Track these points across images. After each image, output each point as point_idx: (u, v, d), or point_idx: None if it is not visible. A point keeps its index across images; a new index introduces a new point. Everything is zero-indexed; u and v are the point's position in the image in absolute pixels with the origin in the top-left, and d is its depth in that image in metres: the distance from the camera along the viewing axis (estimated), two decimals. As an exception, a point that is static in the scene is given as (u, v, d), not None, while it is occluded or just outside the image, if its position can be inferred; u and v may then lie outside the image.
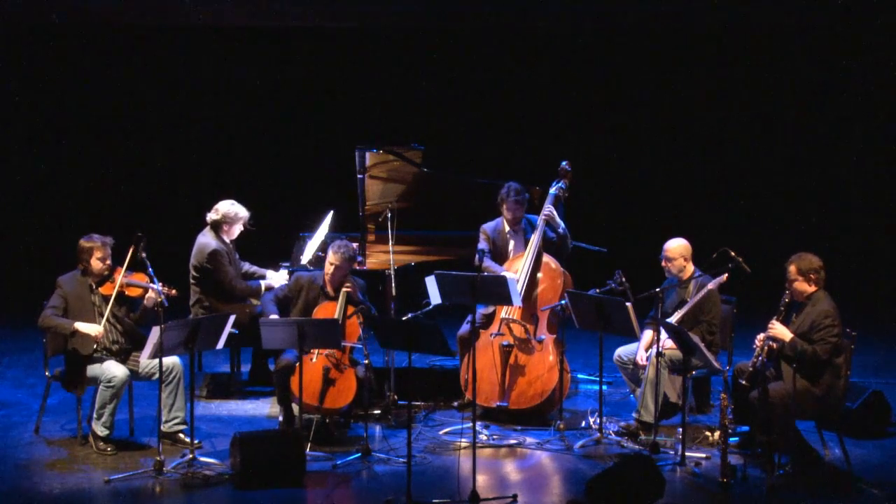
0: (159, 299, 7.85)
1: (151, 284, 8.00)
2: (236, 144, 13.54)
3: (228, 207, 9.12)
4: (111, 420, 7.95)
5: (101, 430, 7.93)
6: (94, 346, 7.98)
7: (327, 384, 8.16)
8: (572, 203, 9.00)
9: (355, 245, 8.83)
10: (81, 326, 7.95)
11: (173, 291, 8.01)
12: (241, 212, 9.14)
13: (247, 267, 9.32)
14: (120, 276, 8.05)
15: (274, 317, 8.32)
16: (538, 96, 13.58)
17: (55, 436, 8.32)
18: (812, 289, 7.72)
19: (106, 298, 8.06)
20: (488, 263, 8.86)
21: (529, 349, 8.71)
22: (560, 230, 8.92)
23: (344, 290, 8.37)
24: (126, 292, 8.09)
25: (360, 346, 8.11)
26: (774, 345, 7.67)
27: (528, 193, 9.05)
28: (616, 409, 9.03)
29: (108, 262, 8.11)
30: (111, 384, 7.92)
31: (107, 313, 8.03)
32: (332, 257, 8.40)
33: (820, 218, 13.49)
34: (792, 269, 7.74)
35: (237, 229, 9.16)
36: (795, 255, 7.79)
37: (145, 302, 8.08)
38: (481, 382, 8.64)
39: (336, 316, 8.27)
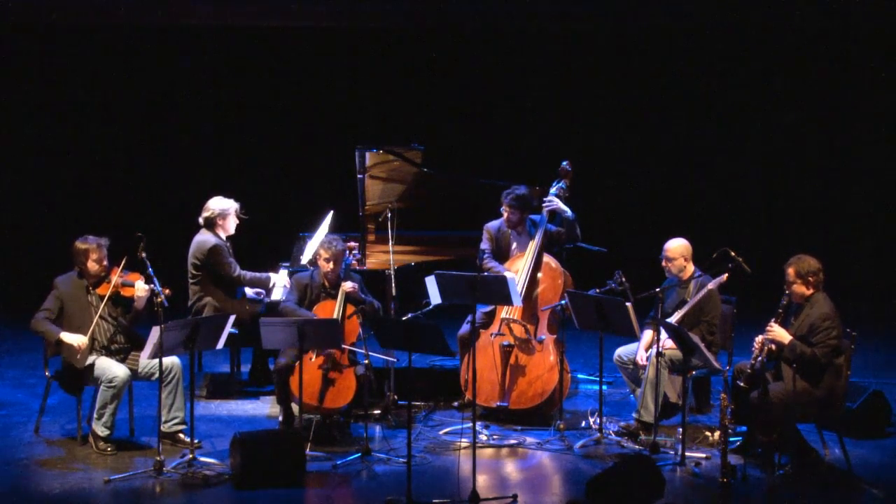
0: (158, 299, 7.84)
1: (145, 284, 8.00)
2: (236, 144, 13.53)
3: (218, 202, 9.13)
4: (112, 420, 7.95)
5: (101, 430, 7.94)
6: (78, 358, 7.97)
7: (326, 384, 8.16)
8: (573, 203, 9.00)
9: (352, 244, 8.84)
10: (66, 337, 7.95)
11: (167, 290, 7.98)
12: (231, 202, 9.16)
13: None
14: (115, 277, 8.05)
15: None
16: (538, 96, 13.59)
17: (55, 436, 8.32)
18: (810, 291, 7.71)
19: (103, 299, 8.06)
20: (491, 264, 8.87)
21: (530, 349, 8.70)
22: (567, 215, 8.90)
23: (344, 290, 8.36)
24: (121, 292, 8.09)
25: (361, 351, 8.12)
26: (774, 347, 7.67)
27: (533, 200, 9.02)
28: (616, 409, 9.03)
29: (105, 262, 8.11)
30: (112, 384, 7.92)
31: (100, 311, 8.03)
32: (324, 253, 8.43)
33: (820, 217, 13.50)
34: (790, 271, 7.73)
35: (231, 222, 9.16)
36: (794, 257, 7.78)
37: (135, 304, 8.08)
38: (481, 382, 8.64)
39: (335, 315, 8.28)
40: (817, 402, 7.60)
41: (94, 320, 8.03)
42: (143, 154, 13.54)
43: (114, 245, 8.23)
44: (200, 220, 9.13)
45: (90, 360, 8.01)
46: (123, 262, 8.05)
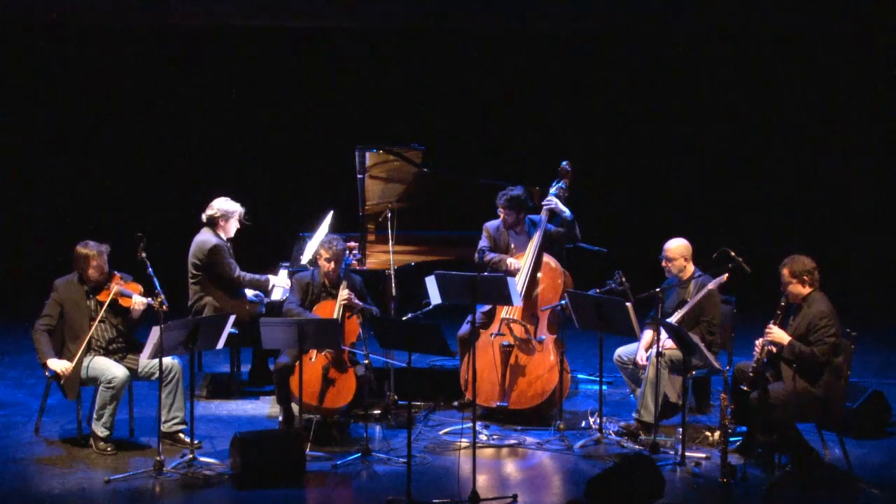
0: (159, 299, 7.83)
1: (142, 298, 8.01)
2: (236, 144, 13.53)
3: (223, 203, 9.15)
4: (111, 421, 7.95)
5: (101, 431, 7.94)
6: (62, 383, 7.97)
7: (327, 384, 8.16)
8: (573, 203, 9.00)
9: (352, 244, 8.85)
10: (52, 364, 7.96)
11: (164, 307, 7.88)
12: (236, 206, 9.17)
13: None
14: (115, 284, 8.06)
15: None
16: (538, 96, 13.58)
17: (55, 436, 8.31)
18: (807, 290, 7.71)
19: (102, 304, 8.07)
20: (491, 256, 8.86)
21: (529, 349, 8.71)
22: (566, 215, 8.90)
23: (341, 299, 8.33)
24: (119, 302, 8.09)
25: (361, 352, 8.12)
26: (773, 348, 7.67)
27: (531, 201, 9.02)
28: (616, 409, 9.03)
29: (105, 269, 8.11)
30: (111, 385, 7.92)
31: (99, 317, 8.04)
32: (324, 253, 8.43)
33: (820, 217, 13.50)
34: (785, 272, 7.74)
35: (233, 225, 9.17)
36: (788, 258, 7.79)
37: (132, 314, 8.10)
38: (481, 382, 8.64)
39: (335, 315, 8.28)
40: (817, 402, 7.60)
41: (94, 326, 8.03)
42: (142, 154, 13.52)
43: (114, 246, 8.23)
44: (203, 218, 9.15)
45: (87, 360, 8.01)
46: (120, 276, 8.07)
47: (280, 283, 9.17)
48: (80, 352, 7.97)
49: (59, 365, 7.96)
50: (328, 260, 8.43)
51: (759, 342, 7.71)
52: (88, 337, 8.01)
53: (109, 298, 8.03)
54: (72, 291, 8.11)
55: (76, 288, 8.12)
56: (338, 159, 10.58)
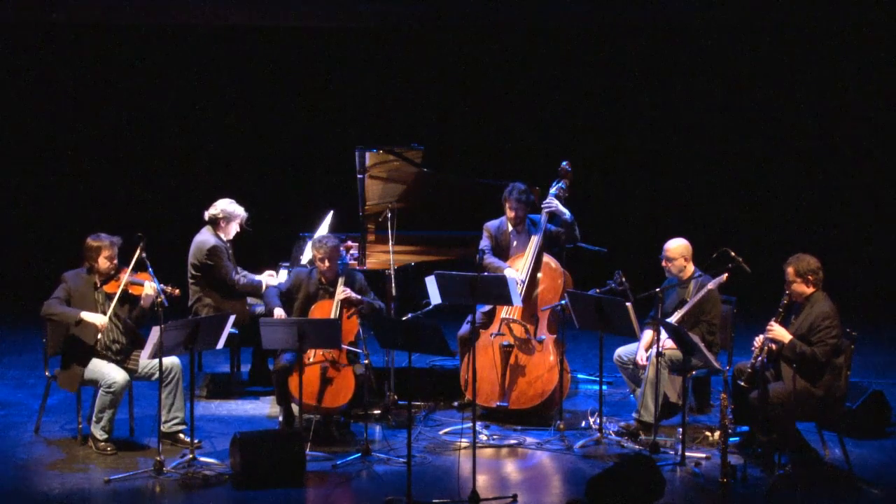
0: (159, 299, 7.84)
1: (153, 284, 8.01)
2: (236, 144, 13.53)
3: (227, 205, 9.16)
4: (110, 425, 7.94)
5: (99, 434, 7.93)
6: (97, 338, 7.95)
7: (325, 383, 8.16)
8: (572, 203, 9.00)
9: (350, 243, 8.85)
10: (87, 316, 7.94)
11: (176, 291, 8.03)
12: (239, 210, 9.17)
13: (243, 273, 9.30)
14: (125, 276, 8.06)
15: (279, 310, 8.36)
16: (538, 96, 13.58)
17: (55, 436, 8.32)
18: (810, 290, 7.71)
19: (110, 296, 8.07)
20: (490, 260, 8.86)
21: (529, 349, 8.70)
22: (566, 217, 8.89)
23: (338, 298, 8.33)
24: (130, 291, 8.09)
25: (361, 351, 8.11)
26: (774, 346, 7.67)
27: (533, 195, 9.04)
28: (616, 409, 9.03)
29: (115, 261, 8.12)
30: (111, 389, 7.91)
31: (110, 311, 8.03)
32: (317, 254, 8.41)
33: (820, 217, 13.49)
34: (790, 270, 7.74)
35: (234, 228, 9.18)
36: (793, 256, 7.79)
37: (142, 302, 8.09)
38: (481, 382, 8.64)
39: (333, 314, 8.28)
40: (817, 401, 7.60)
41: (108, 314, 8.02)
42: (142, 154, 13.52)
43: (121, 245, 8.23)
44: (206, 216, 9.15)
45: (91, 361, 8.01)
46: (134, 261, 8.05)
47: (274, 282, 9.14)
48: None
49: (96, 318, 7.93)
50: (321, 259, 8.41)
51: (758, 339, 7.71)
52: (95, 338, 8.00)
53: (121, 287, 8.02)
54: (80, 283, 8.11)
55: (85, 279, 8.12)
56: (338, 159, 10.58)
